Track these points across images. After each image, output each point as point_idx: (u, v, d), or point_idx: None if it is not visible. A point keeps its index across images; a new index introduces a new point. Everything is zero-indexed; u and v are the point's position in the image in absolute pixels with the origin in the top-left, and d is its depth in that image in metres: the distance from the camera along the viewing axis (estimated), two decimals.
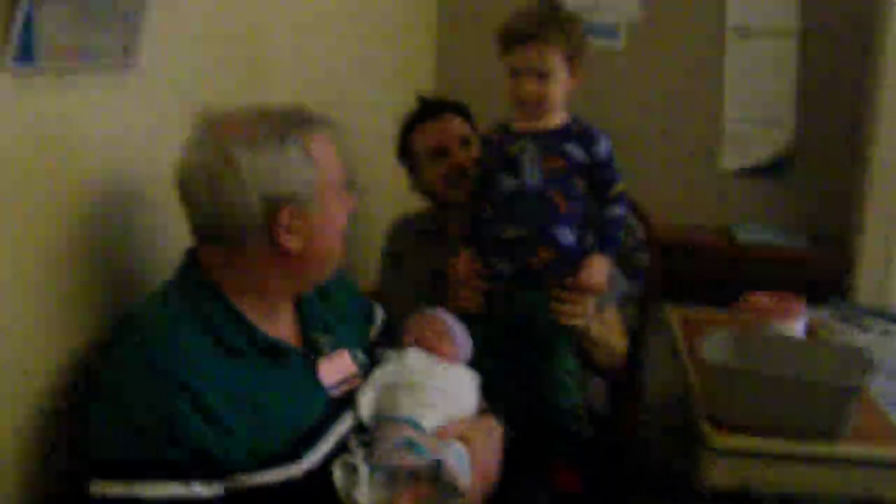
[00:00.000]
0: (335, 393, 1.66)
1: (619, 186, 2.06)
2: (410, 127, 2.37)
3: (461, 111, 2.39)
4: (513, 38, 1.99)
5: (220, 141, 1.50)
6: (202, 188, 1.50)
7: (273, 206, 1.50)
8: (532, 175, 2.01)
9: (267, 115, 1.56)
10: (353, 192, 1.67)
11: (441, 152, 2.30)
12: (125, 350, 1.46)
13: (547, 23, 1.98)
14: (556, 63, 1.98)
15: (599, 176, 2.04)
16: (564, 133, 2.03)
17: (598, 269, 2.04)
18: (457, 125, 2.34)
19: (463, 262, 2.11)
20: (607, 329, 2.20)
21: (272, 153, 1.50)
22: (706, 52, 3.32)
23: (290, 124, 1.55)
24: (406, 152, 2.39)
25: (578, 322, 2.05)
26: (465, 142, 2.31)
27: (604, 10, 3.36)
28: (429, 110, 2.38)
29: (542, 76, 1.98)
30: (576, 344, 2.12)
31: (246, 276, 1.56)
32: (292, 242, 1.54)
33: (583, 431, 2.11)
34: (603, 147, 2.03)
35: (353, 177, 1.67)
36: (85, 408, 1.47)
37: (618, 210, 2.06)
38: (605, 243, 2.06)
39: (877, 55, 3.02)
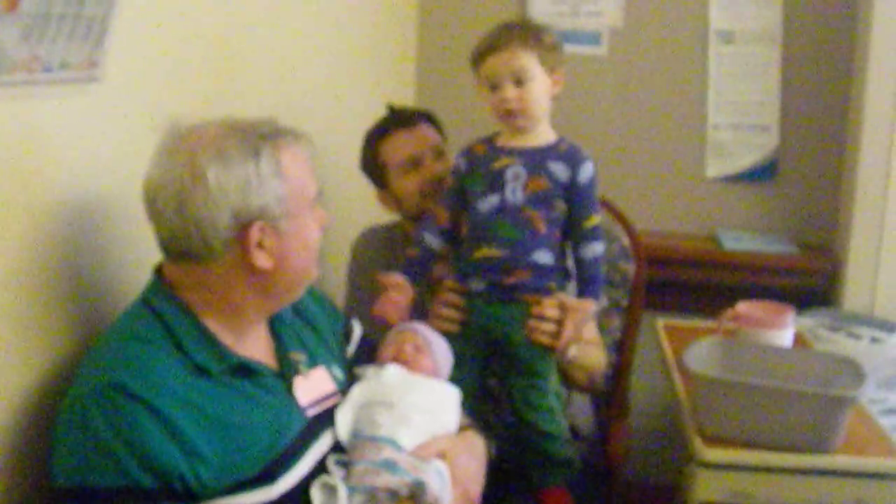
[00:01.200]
0: (313, 412, 1.62)
1: (595, 219, 2.02)
2: (379, 137, 2.29)
3: (432, 121, 2.33)
4: (484, 48, 1.97)
5: (189, 154, 1.46)
6: (170, 203, 1.45)
7: (243, 222, 1.46)
8: (514, 193, 1.97)
9: (237, 128, 1.51)
10: (325, 206, 1.63)
11: (414, 163, 2.22)
12: (92, 372, 1.42)
13: (513, 29, 1.97)
14: (530, 65, 1.95)
15: (577, 201, 1.99)
16: (551, 152, 2.00)
17: (584, 316, 1.99)
18: (430, 135, 2.27)
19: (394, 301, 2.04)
20: (585, 348, 2.16)
21: (242, 167, 1.46)
22: (689, 57, 3.29)
23: (260, 137, 1.50)
24: (373, 163, 2.30)
25: (554, 343, 1.98)
26: (438, 152, 2.25)
27: (586, 17, 3.33)
28: (399, 119, 2.30)
29: (519, 81, 1.95)
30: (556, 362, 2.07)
31: (216, 295, 1.52)
32: (263, 260, 1.50)
33: (568, 454, 2.06)
34: (587, 171, 1.99)
35: (323, 191, 1.63)
36: (50, 433, 1.42)
37: (596, 248, 2.01)
38: (589, 286, 2.02)
39: (861, 60, 3.00)
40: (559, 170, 1.97)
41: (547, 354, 2.01)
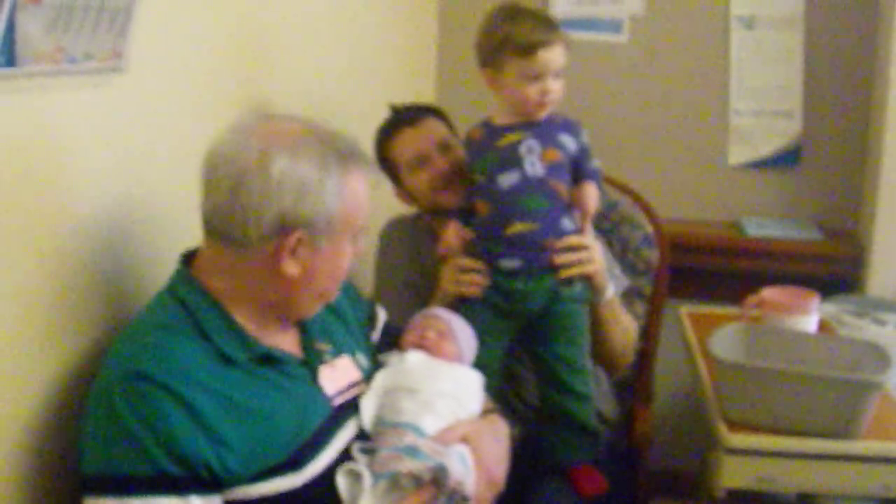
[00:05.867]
0: (339, 400, 1.63)
1: (595, 161, 2.10)
2: (385, 137, 2.31)
3: (436, 114, 2.35)
4: (534, 44, 1.96)
5: (264, 141, 1.46)
6: (227, 180, 1.45)
7: (286, 225, 1.46)
8: (533, 166, 2.01)
9: (319, 135, 1.51)
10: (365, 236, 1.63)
11: (421, 160, 2.24)
12: (118, 362, 1.43)
13: (553, 23, 2.01)
14: (565, 60, 2.01)
15: (581, 159, 2.06)
16: (554, 125, 2.05)
17: (590, 191, 2.04)
18: (434, 130, 2.28)
19: (453, 234, 2.11)
20: (618, 310, 2.21)
21: (308, 174, 1.46)
22: (711, 43, 3.27)
23: (337, 153, 1.50)
24: (384, 163, 2.32)
25: (588, 269, 2.05)
26: (444, 146, 2.25)
27: (607, 4, 3.32)
28: (402, 118, 2.32)
29: (557, 76, 2.00)
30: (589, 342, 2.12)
31: (241, 284, 1.52)
32: (291, 267, 1.49)
33: (596, 426, 2.11)
34: (585, 133, 2.08)
35: (368, 226, 1.63)
36: (78, 421, 1.43)
37: (597, 163, 2.09)
38: (588, 173, 2.07)
39: (884, 44, 2.97)
40: (568, 141, 2.04)
41: (582, 297, 2.09)
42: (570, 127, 2.06)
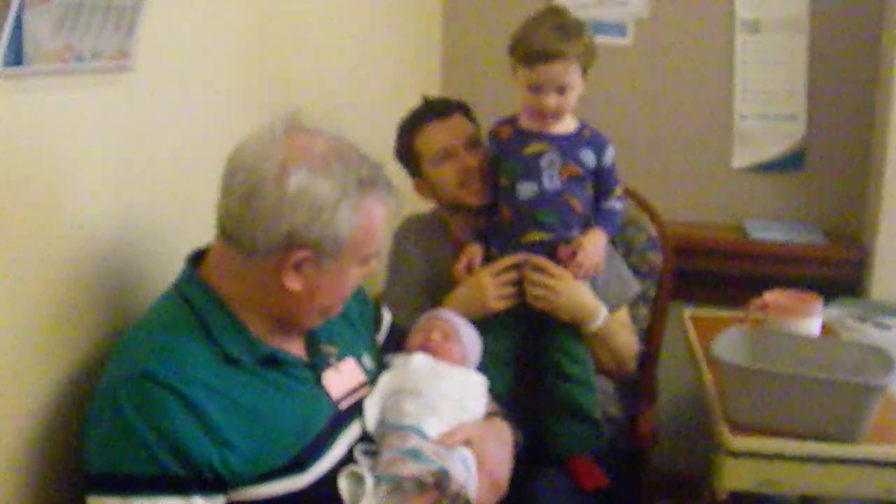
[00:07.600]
0: (344, 403, 1.62)
1: (618, 191, 2.17)
2: (413, 127, 2.29)
3: (465, 111, 2.34)
4: (536, 55, 2.00)
5: (287, 154, 1.45)
6: (242, 187, 1.45)
7: (294, 242, 1.45)
8: (551, 180, 2.08)
9: (344, 157, 1.50)
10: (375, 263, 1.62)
11: (448, 154, 2.23)
12: (123, 362, 1.43)
13: (569, 38, 2.01)
14: (575, 76, 2.03)
15: (604, 180, 2.14)
16: (579, 139, 2.11)
17: (596, 246, 2.12)
18: (463, 126, 2.27)
19: (471, 256, 2.18)
20: (617, 329, 2.22)
21: (324, 197, 1.45)
22: (715, 47, 3.27)
23: (358, 177, 1.49)
24: (408, 154, 2.31)
25: (543, 304, 2.11)
26: (471, 143, 2.25)
27: (611, 7, 3.32)
28: (433, 110, 2.30)
29: (562, 90, 2.03)
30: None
31: (245, 288, 1.52)
32: (293, 283, 1.49)
33: (598, 417, 2.14)
34: (610, 154, 2.13)
35: (381, 252, 1.63)
36: (82, 421, 1.44)
37: (617, 205, 2.17)
38: (602, 223, 2.15)
39: (888, 47, 2.97)
40: (588, 157, 2.10)
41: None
42: (597, 144, 2.12)
